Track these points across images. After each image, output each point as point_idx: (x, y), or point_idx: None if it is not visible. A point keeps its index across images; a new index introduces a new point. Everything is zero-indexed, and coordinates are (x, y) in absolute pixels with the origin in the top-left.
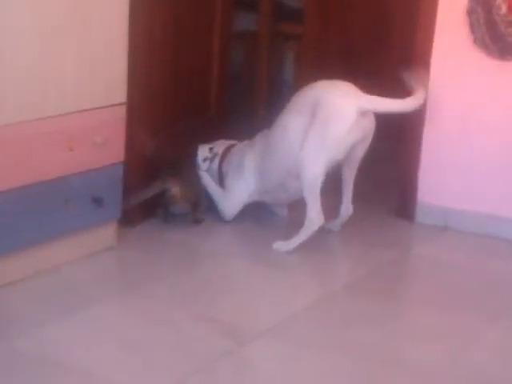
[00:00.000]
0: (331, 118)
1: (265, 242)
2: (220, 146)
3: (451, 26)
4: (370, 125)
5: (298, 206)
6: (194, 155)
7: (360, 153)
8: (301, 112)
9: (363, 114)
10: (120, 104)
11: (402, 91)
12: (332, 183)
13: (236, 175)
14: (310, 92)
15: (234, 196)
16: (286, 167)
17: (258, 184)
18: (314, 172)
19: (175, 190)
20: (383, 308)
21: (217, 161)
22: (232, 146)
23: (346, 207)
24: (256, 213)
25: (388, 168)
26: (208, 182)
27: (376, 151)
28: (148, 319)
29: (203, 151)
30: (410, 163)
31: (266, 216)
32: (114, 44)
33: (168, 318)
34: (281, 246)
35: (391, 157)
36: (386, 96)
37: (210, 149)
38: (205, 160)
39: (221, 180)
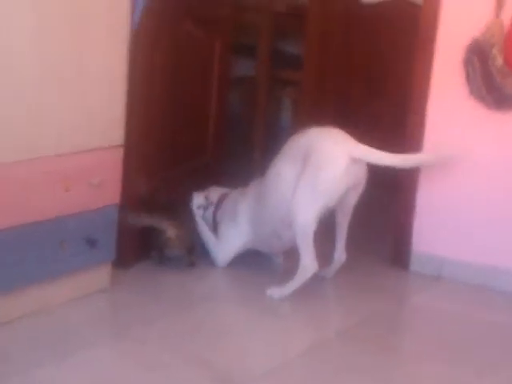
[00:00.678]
0: (322, 165)
1: (259, 287)
2: (214, 193)
3: (447, 75)
4: (361, 172)
5: (293, 252)
6: (189, 201)
7: (353, 199)
8: (293, 160)
9: (354, 160)
10: (117, 146)
11: (399, 138)
12: (325, 229)
13: (229, 224)
14: (301, 139)
15: (227, 244)
16: (279, 216)
17: (252, 233)
18: (305, 219)
19: (171, 232)
20: (375, 358)
21: (211, 209)
22: (226, 194)
23: (340, 254)
24: (251, 257)
25: (383, 216)
26: (202, 228)
27: (371, 199)
28: (139, 362)
29: (198, 199)
30: (405, 211)
31: (261, 261)
32: (113, 86)
33: (160, 362)
34: (274, 292)
35: (386, 205)
36: (383, 144)
37: (206, 197)
38: (199, 207)
39: (215, 228)
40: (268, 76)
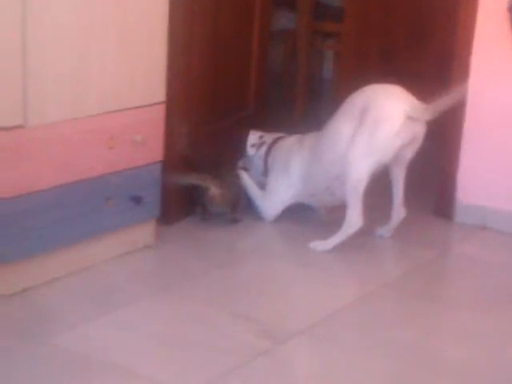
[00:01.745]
0: (378, 121)
1: (302, 241)
2: (270, 135)
3: (492, 23)
4: (419, 128)
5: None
6: (232, 156)
7: (409, 155)
8: (350, 117)
9: (411, 118)
10: (159, 103)
11: (443, 91)
12: (381, 186)
13: (281, 175)
14: (358, 96)
15: (276, 197)
16: (335, 173)
17: (304, 187)
18: (359, 174)
19: (214, 190)
20: (421, 308)
21: (264, 149)
22: (281, 138)
23: (398, 211)
24: (293, 211)
25: (429, 168)
26: (248, 182)
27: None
28: (186, 317)
29: (253, 137)
30: (449, 162)
31: (305, 214)
32: (154, 43)
33: (206, 317)
34: (317, 245)
35: (433, 156)
36: (426, 96)
37: (261, 136)
38: (253, 146)
39: (265, 169)
40: (309, 28)
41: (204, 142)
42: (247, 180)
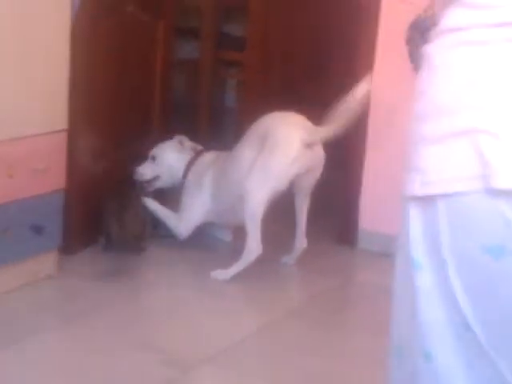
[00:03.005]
0: (274, 149)
1: (208, 270)
2: (191, 145)
3: (391, 54)
4: (317, 156)
5: (243, 233)
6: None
7: (310, 183)
8: (252, 143)
9: (309, 145)
10: (61, 131)
11: None
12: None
13: (196, 192)
14: (260, 124)
15: (189, 214)
16: (238, 194)
17: (214, 205)
18: (255, 202)
19: (119, 218)
20: (325, 334)
21: (187, 158)
22: (202, 152)
23: (300, 240)
24: (198, 240)
25: (330, 195)
26: (155, 207)
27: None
28: (89, 349)
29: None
30: (352, 189)
31: (209, 244)
32: (55, 71)
33: (109, 348)
34: (218, 274)
35: (334, 183)
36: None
37: (180, 142)
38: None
39: (184, 176)
40: (212, 57)
41: (108, 170)
42: (154, 205)
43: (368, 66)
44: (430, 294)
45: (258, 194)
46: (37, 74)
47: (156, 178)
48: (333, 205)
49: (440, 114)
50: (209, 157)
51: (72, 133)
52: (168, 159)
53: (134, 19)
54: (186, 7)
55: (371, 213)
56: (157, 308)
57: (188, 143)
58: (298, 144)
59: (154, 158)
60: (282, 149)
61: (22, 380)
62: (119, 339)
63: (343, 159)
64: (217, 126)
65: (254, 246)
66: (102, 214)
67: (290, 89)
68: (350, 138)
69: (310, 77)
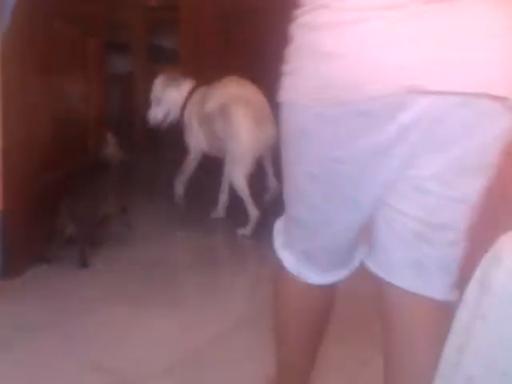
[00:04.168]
0: (234, 138)
1: (150, 284)
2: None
3: None
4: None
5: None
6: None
7: (270, 145)
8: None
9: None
10: None
11: None
12: None
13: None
14: (220, 94)
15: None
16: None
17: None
18: (237, 179)
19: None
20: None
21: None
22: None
23: (272, 181)
24: (145, 253)
25: None
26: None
27: None
28: (35, 373)
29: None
30: None
31: (160, 256)
32: None
33: (57, 372)
34: (243, 230)
35: None
36: None
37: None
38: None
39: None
40: (145, 70)
41: (46, 189)
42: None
43: None
44: None
45: (236, 174)
46: None
47: (166, 115)
48: None
49: None
50: (196, 97)
51: (6, 154)
52: (170, 96)
53: (63, 36)
54: (115, 22)
55: None
56: (103, 327)
57: (179, 76)
58: (251, 132)
59: (157, 100)
60: (239, 138)
61: None
62: (65, 362)
63: None
64: (153, 137)
65: (252, 208)
66: (56, 218)
67: None
68: None
69: None
